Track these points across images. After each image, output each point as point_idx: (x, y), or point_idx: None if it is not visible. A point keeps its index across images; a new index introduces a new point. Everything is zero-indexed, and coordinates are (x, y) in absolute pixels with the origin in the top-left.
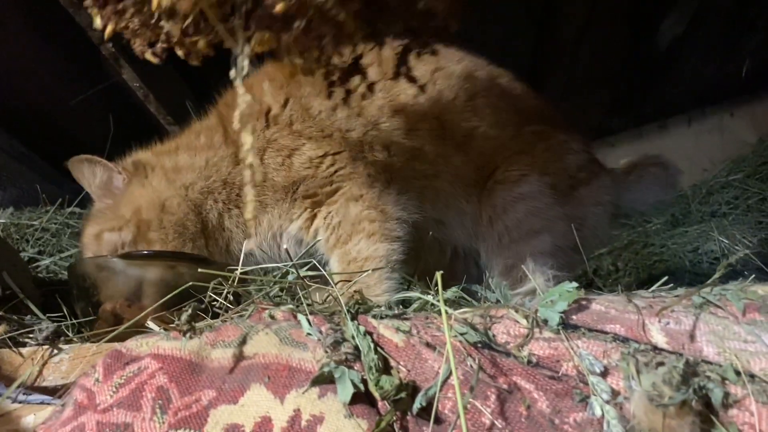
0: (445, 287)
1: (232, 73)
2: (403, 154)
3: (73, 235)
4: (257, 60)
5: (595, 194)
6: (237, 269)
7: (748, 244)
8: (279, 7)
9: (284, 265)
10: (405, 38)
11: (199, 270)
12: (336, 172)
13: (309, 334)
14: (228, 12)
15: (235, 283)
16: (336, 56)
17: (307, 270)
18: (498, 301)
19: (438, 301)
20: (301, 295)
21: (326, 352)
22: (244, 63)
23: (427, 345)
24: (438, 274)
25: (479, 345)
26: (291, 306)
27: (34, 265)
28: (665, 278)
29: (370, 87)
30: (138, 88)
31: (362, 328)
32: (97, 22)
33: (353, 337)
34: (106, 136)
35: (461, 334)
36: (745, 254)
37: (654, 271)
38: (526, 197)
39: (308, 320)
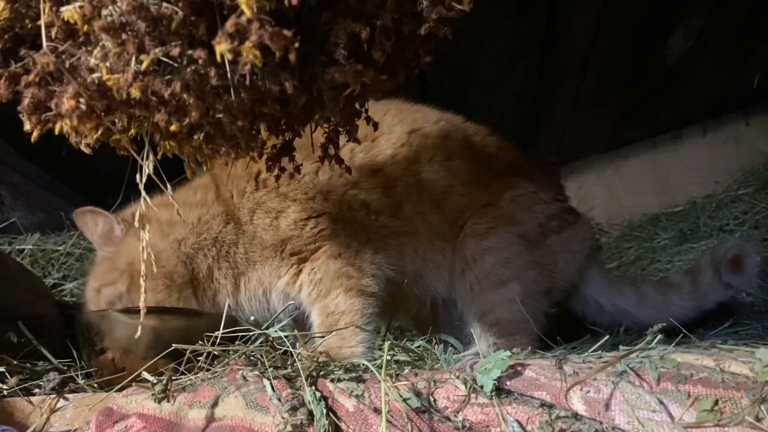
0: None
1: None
2: (381, 211)
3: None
4: None
5: (566, 243)
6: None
7: None
8: (173, 127)
9: (257, 331)
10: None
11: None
12: (319, 232)
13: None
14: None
15: (216, 344)
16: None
17: (279, 331)
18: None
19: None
20: (266, 360)
21: (283, 418)
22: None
23: (375, 410)
24: (386, 344)
25: (420, 410)
26: (257, 372)
27: (59, 289)
28: (587, 336)
29: (297, 168)
30: None
31: (318, 394)
32: (27, 126)
33: (310, 402)
34: (126, 165)
35: (405, 400)
36: None
37: None
38: (494, 249)
39: (272, 385)
